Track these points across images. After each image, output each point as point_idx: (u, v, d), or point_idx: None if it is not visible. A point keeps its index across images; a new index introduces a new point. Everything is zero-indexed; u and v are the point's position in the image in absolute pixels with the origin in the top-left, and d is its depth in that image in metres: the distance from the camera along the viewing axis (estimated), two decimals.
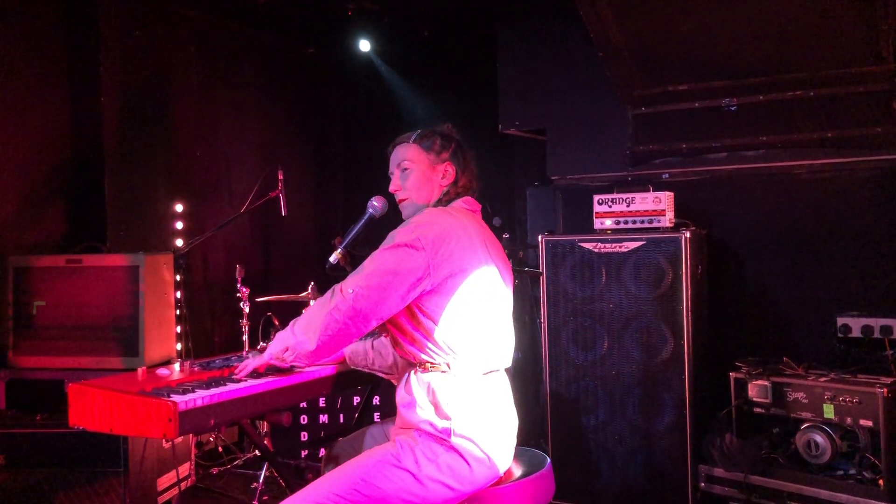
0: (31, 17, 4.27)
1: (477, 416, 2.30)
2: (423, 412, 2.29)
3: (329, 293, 2.29)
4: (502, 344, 2.44)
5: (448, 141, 2.52)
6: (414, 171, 2.48)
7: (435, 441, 2.27)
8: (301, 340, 2.30)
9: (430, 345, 2.32)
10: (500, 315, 2.43)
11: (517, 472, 2.42)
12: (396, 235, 2.31)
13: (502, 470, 2.37)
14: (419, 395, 2.31)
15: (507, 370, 2.51)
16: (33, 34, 4.28)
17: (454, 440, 2.25)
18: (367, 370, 2.71)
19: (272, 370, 2.47)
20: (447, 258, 2.28)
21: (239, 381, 2.37)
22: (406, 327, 2.35)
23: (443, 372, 2.31)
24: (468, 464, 2.26)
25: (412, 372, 2.37)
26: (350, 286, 2.26)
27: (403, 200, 2.51)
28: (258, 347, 2.79)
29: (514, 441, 2.45)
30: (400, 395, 2.38)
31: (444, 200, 2.49)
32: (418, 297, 2.28)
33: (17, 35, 4.19)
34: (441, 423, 2.27)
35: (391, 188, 2.53)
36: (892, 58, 3.46)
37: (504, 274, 2.48)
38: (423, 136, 2.52)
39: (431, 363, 2.33)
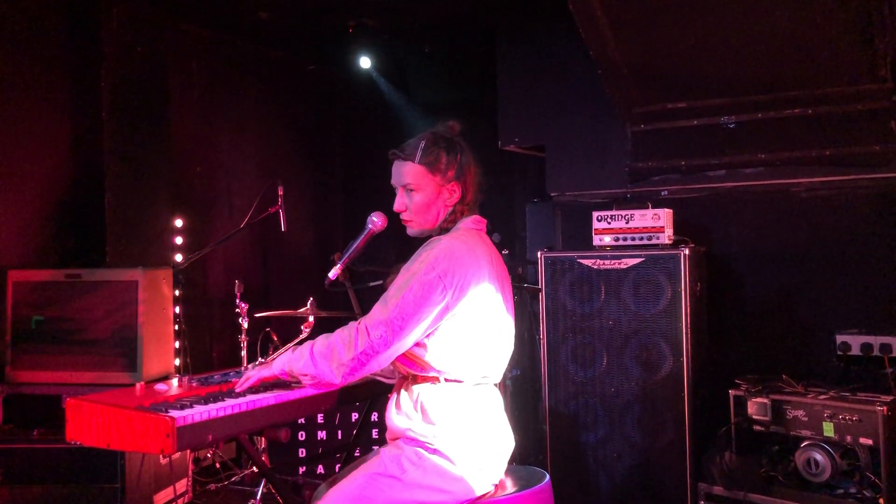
0: (33, 32, 4.29)
1: (463, 423, 2.32)
2: (409, 419, 2.33)
3: (354, 331, 2.26)
4: (496, 359, 2.43)
5: (454, 154, 2.44)
6: (420, 194, 2.41)
7: (419, 445, 2.29)
8: (325, 373, 2.29)
9: (424, 360, 2.34)
10: (497, 331, 2.42)
11: (515, 486, 2.42)
12: (419, 271, 2.26)
13: (494, 477, 2.38)
14: (407, 404, 2.35)
15: (498, 385, 2.50)
16: (36, 49, 4.30)
17: (438, 444, 2.28)
18: (369, 374, 2.70)
19: (277, 384, 2.47)
20: (465, 294, 2.29)
21: (238, 394, 2.37)
22: None
23: (432, 383, 2.34)
24: (454, 464, 2.27)
25: (403, 385, 2.40)
26: (375, 329, 2.23)
27: (409, 222, 2.47)
28: (257, 363, 2.78)
29: (507, 451, 2.44)
30: (389, 408, 2.42)
31: (451, 220, 2.45)
32: None
33: (20, 50, 4.21)
34: (426, 429, 2.30)
35: (396, 208, 2.47)
36: (890, 76, 3.48)
37: (505, 290, 2.48)
38: (427, 152, 2.41)
39: (424, 377, 2.36)
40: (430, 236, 2.46)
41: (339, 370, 2.26)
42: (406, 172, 2.43)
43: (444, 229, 2.46)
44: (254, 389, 2.43)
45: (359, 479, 2.28)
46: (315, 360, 2.29)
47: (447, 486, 2.27)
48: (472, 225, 2.47)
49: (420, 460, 2.27)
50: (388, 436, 2.43)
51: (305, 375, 2.33)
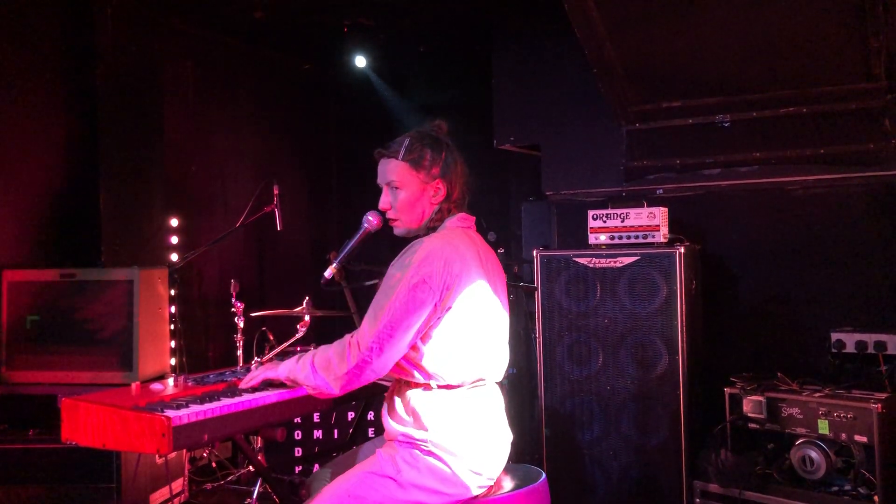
0: (27, 31, 4.28)
1: (456, 427, 2.31)
2: (403, 424, 2.34)
3: (346, 346, 2.27)
4: (491, 358, 2.43)
5: (438, 151, 2.43)
6: (404, 191, 2.41)
7: (414, 447, 2.31)
8: (325, 384, 2.30)
9: (414, 366, 2.34)
10: (490, 330, 2.42)
11: (511, 484, 2.43)
12: (404, 277, 2.26)
13: (490, 477, 2.38)
14: (400, 408, 2.36)
15: (499, 384, 2.50)
16: (30, 48, 4.29)
17: (431, 447, 2.29)
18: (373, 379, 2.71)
19: (276, 384, 2.47)
20: (452, 295, 2.28)
21: (235, 393, 2.37)
22: None
23: (423, 389, 2.35)
24: (448, 466, 2.28)
25: (397, 389, 2.41)
26: (367, 341, 2.24)
27: (394, 221, 2.47)
28: (259, 360, 2.77)
29: (504, 451, 2.44)
30: (384, 410, 2.44)
31: (438, 219, 2.44)
32: None
33: (14, 49, 4.20)
34: (419, 434, 2.31)
35: (381, 206, 2.47)
36: (884, 75, 3.49)
37: (498, 289, 2.47)
38: (411, 149, 2.41)
39: (415, 382, 2.36)
40: (416, 236, 2.45)
41: (337, 383, 2.29)
42: (390, 170, 2.43)
43: (430, 228, 2.45)
44: (254, 388, 2.43)
45: (354, 478, 2.29)
46: (315, 373, 2.31)
47: (442, 486, 2.28)
48: (458, 223, 2.45)
49: (415, 461, 2.28)
50: (385, 436, 2.44)
51: (308, 386, 2.36)
